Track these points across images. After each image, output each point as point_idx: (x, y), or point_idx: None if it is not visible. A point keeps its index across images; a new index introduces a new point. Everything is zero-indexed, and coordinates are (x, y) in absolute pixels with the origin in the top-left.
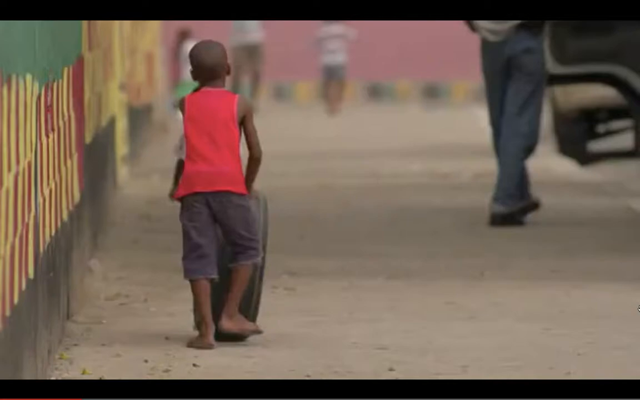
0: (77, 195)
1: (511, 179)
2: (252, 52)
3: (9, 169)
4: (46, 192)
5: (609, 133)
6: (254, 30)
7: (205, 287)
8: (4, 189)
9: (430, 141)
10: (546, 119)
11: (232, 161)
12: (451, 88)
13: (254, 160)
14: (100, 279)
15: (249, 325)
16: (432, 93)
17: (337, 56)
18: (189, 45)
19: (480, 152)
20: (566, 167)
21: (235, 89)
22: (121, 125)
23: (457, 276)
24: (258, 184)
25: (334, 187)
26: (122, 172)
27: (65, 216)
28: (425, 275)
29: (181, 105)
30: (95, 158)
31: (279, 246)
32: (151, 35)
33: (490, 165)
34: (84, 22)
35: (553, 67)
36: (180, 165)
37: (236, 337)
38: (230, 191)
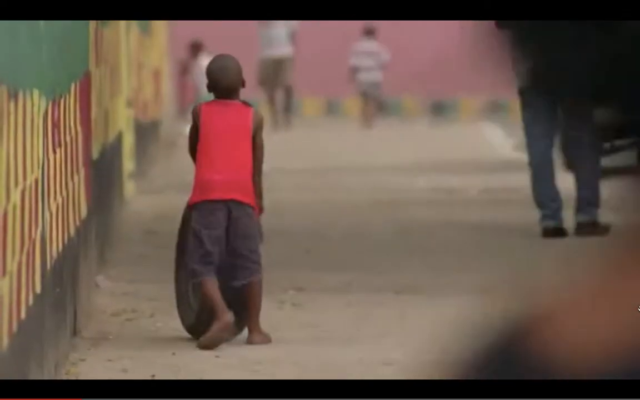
0: (84, 211)
1: (590, 187)
2: (280, 66)
3: (16, 184)
4: (53, 207)
5: (614, 150)
6: (282, 44)
7: (215, 282)
8: (11, 204)
9: (437, 157)
10: None
11: (245, 172)
12: (458, 105)
13: (258, 172)
14: (107, 294)
15: (268, 336)
16: (439, 109)
17: (372, 74)
18: (203, 59)
19: (486, 167)
20: (572, 182)
21: (271, 104)
22: (128, 141)
23: (464, 291)
24: (265, 199)
25: (341, 202)
26: (129, 187)
27: (72, 231)
28: (432, 290)
29: (195, 114)
30: (102, 174)
31: (286, 261)
32: (158, 51)
33: (496, 181)
34: (91, 38)
35: None
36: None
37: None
38: (243, 202)
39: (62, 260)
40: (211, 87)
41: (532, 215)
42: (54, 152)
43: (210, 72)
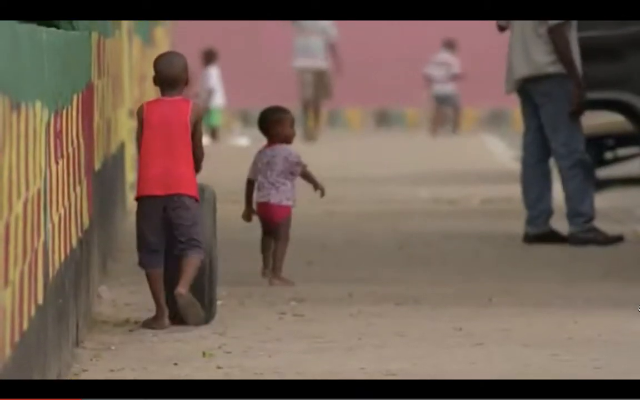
0: (86, 222)
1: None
2: (319, 78)
3: (19, 195)
4: (55, 218)
5: (616, 160)
6: (320, 57)
7: (159, 275)
8: (13, 215)
9: (438, 167)
10: None
11: (183, 164)
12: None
13: (197, 161)
14: (109, 305)
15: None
16: (440, 120)
17: (446, 86)
18: (213, 69)
19: (488, 178)
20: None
21: (305, 115)
22: (130, 152)
23: (465, 302)
24: None
25: (342, 213)
26: (132, 198)
27: (74, 242)
28: (433, 301)
29: (138, 113)
30: (105, 184)
31: (287, 272)
32: None
33: (497, 192)
34: (94, 49)
35: None
36: (249, 186)
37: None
38: (183, 194)
39: (64, 270)
40: (156, 80)
41: None
42: (57, 163)
43: (156, 65)
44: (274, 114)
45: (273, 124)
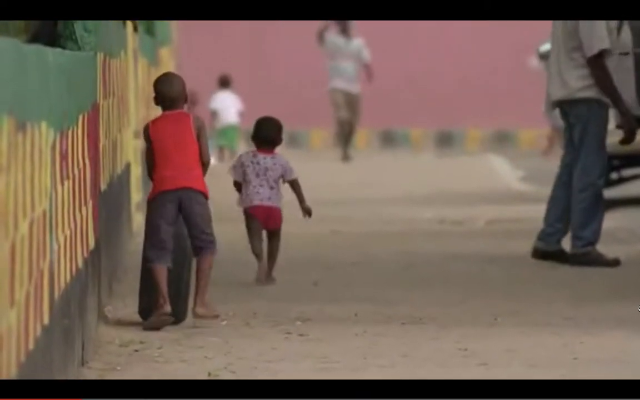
0: (92, 242)
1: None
2: (351, 101)
3: (25, 216)
4: (61, 239)
5: (622, 180)
6: (353, 81)
7: (164, 271)
8: (19, 235)
9: (443, 188)
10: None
11: (196, 166)
12: (465, 135)
13: (204, 164)
14: (114, 326)
15: (215, 311)
16: (446, 140)
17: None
18: (226, 92)
19: (493, 199)
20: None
21: (344, 138)
22: (136, 173)
23: (470, 322)
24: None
25: (347, 233)
26: (137, 219)
27: (80, 263)
28: (438, 321)
29: (145, 131)
30: (110, 205)
31: (292, 292)
32: None
33: (503, 212)
34: (99, 70)
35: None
36: (236, 185)
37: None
38: (195, 189)
39: (70, 291)
40: (157, 100)
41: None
42: (62, 183)
43: (156, 86)
44: (278, 124)
45: (278, 133)
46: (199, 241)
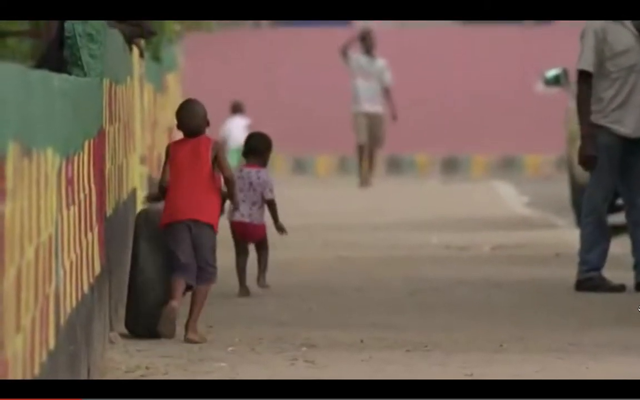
0: (97, 268)
1: None
2: (374, 123)
3: (30, 241)
4: (67, 264)
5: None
6: (376, 101)
7: (182, 283)
8: (25, 261)
9: (449, 214)
10: (565, 193)
11: (206, 196)
12: (470, 162)
13: (228, 181)
14: (120, 351)
15: (204, 337)
16: (451, 166)
17: None
18: (237, 119)
19: (499, 224)
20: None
21: (359, 160)
22: (142, 198)
23: (476, 348)
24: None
25: (353, 259)
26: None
27: (86, 288)
28: (444, 347)
29: (167, 150)
30: (116, 230)
31: (298, 318)
32: (172, 109)
33: (508, 238)
34: (105, 95)
35: None
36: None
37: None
38: (204, 222)
39: (75, 316)
40: (180, 126)
41: (545, 272)
42: (68, 209)
43: (178, 115)
44: (267, 139)
45: (267, 147)
46: (202, 271)
